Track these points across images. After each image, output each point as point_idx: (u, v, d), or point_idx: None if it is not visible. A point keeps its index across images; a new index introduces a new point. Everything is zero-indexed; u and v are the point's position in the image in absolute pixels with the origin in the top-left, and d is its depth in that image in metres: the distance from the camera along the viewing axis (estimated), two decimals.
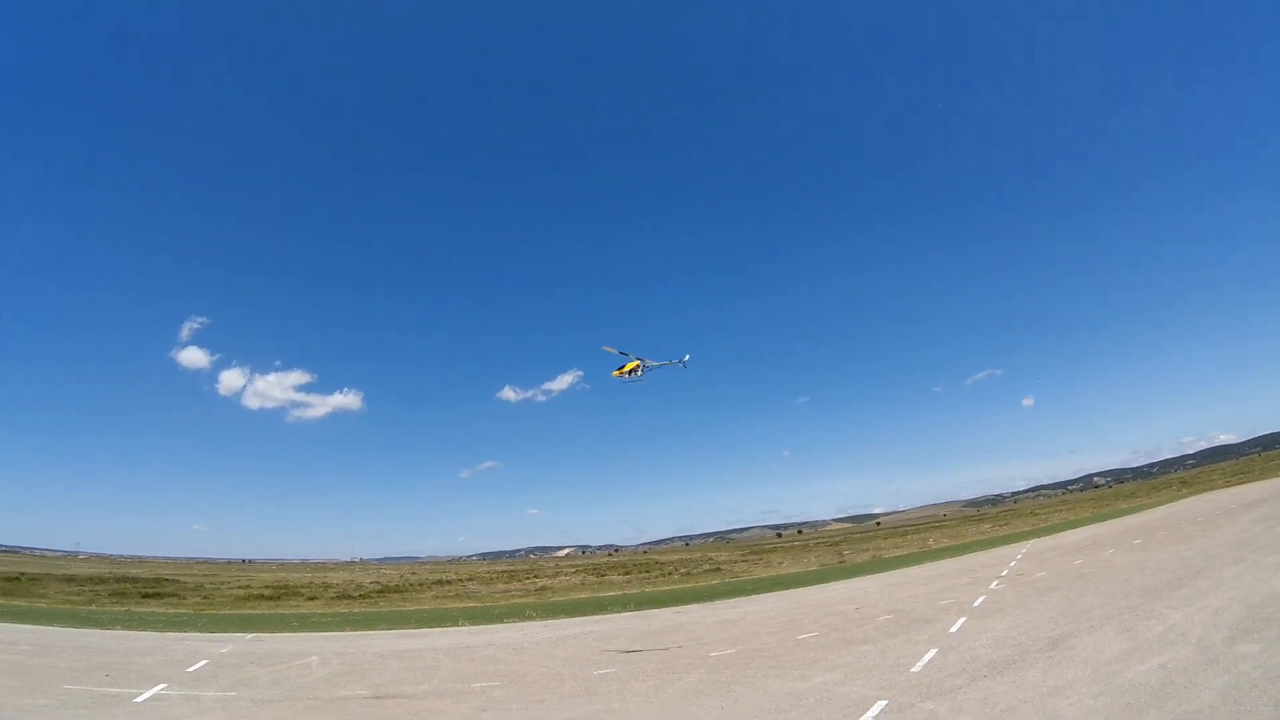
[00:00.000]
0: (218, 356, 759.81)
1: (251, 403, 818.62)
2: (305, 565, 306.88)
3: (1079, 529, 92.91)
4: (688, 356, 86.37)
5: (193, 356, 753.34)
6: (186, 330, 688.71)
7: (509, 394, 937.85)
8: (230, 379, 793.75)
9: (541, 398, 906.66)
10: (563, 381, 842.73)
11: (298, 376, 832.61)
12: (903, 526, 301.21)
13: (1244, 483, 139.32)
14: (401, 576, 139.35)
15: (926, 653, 24.61)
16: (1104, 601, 30.85)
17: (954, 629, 29.39)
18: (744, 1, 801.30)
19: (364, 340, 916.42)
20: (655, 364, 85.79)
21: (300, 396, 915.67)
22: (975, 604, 35.99)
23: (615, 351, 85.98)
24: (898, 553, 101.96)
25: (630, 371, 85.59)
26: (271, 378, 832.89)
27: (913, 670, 22.17)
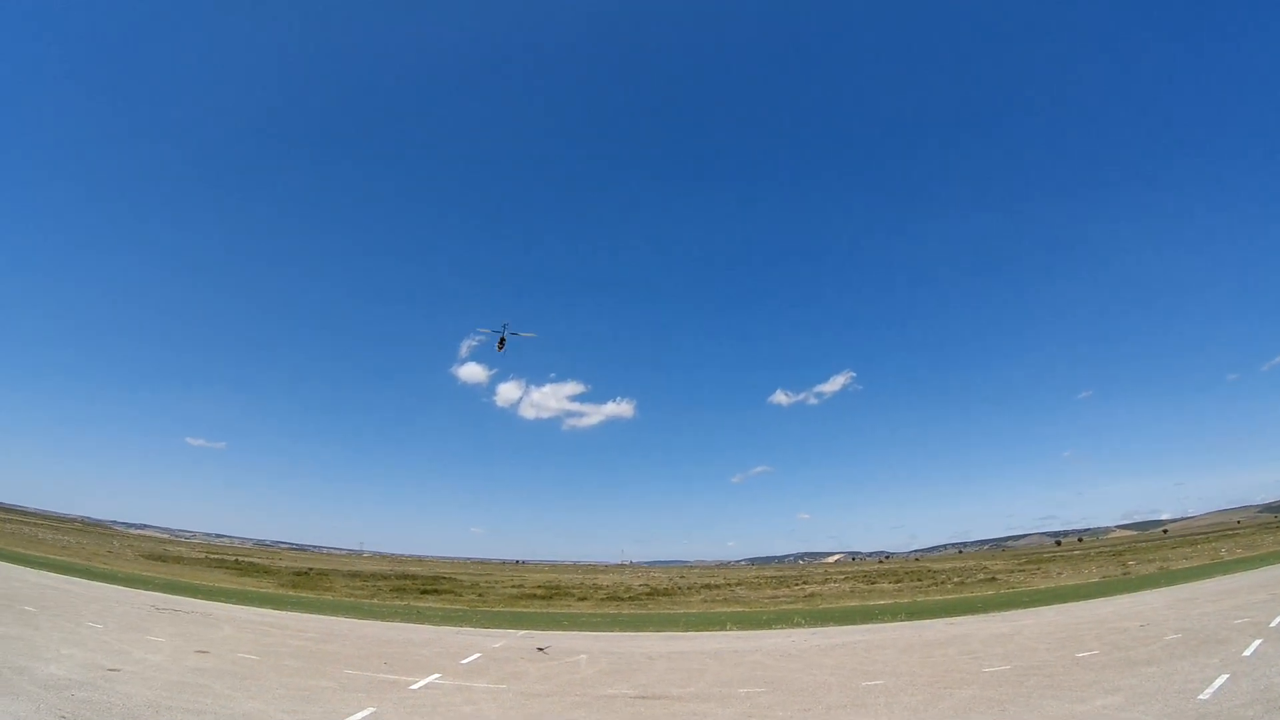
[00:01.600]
0: (495, 371, 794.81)
1: (528, 413, 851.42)
2: (576, 567, 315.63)
3: None
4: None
5: (471, 371, 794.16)
6: (465, 348, 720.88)
7: (780, 397, 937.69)
8: (507, 391, 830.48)
9: (813, 400, 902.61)
10: (835, 383, 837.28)
11: (572, 387, 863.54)
12: (1192, 534, 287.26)
13: None
14: (670, 580, 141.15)
15: (1217, 678, 23.14)
16: None
17: (1248, 652, 27.57)
18: None
19: (635, 350, 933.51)
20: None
21: (574, 406, 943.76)
22: (1273, 624, 33.76)
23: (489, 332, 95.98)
24: (1186, 564, 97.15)
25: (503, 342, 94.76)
26: (546, 389, 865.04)
27: (1201, 697, 20.86)
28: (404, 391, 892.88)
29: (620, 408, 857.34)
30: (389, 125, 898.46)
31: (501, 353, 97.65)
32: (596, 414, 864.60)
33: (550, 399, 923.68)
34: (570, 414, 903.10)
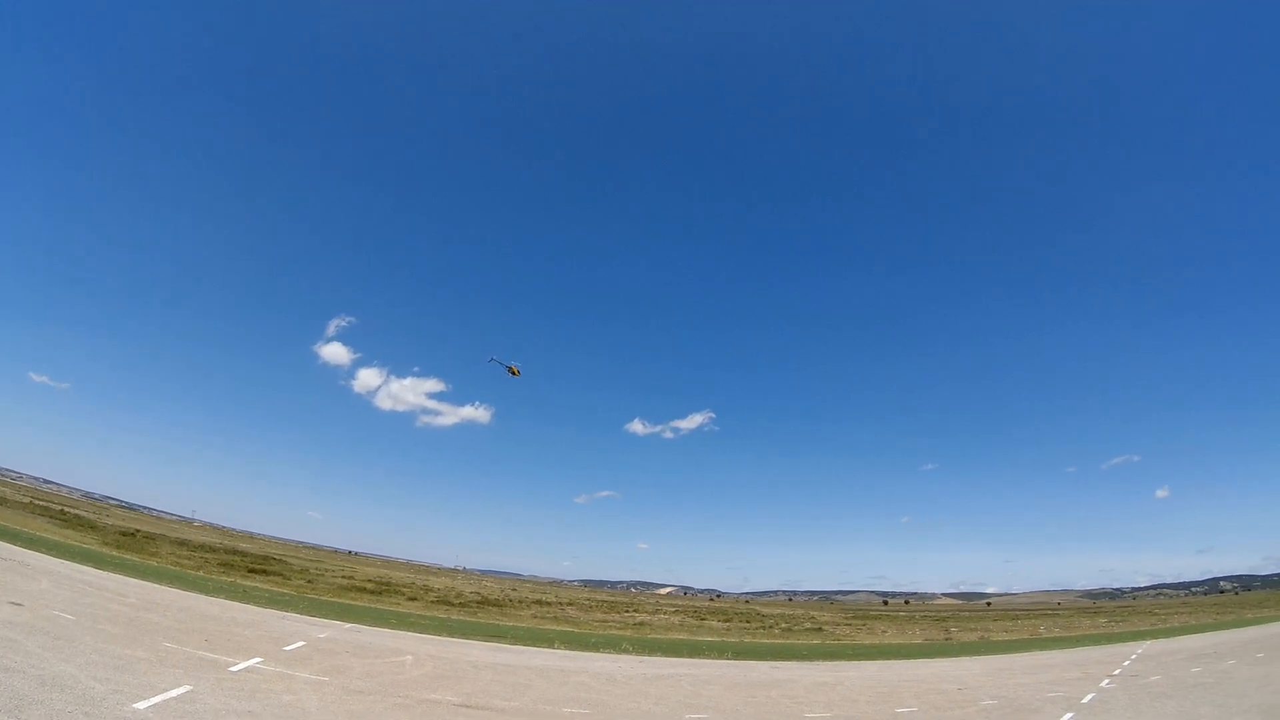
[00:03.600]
0: (359, 355, 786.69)
1: (384, 403, 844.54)
2: (409, 566, 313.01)
3: (1200, 634, 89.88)
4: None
5: (335, 352, 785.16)
6: (333, 327, 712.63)
7: (638, 426, 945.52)
8: (367, 377, 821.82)
9: (669, 434, 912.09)
10: (693, 420, 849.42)
11: (433, 384, 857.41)
12: (1014, 610, 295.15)
13: None
14: (502, 591, 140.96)
15: None
16: (1219, 714, 29.59)
17: None
18: None
19: (502, 356, 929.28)
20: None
21: (432, 404, 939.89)
22: (1084, 700, 34.67)
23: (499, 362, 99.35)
24: (1006, 636, 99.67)
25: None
26: (407, 382, 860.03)
27: None
28: (260, 361, 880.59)
29: (478, 412, 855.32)
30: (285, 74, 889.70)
31: (517, 377, 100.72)
32: (453, 415, 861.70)
33: (409, 392, 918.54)
34: (427, 411, 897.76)
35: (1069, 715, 30.28)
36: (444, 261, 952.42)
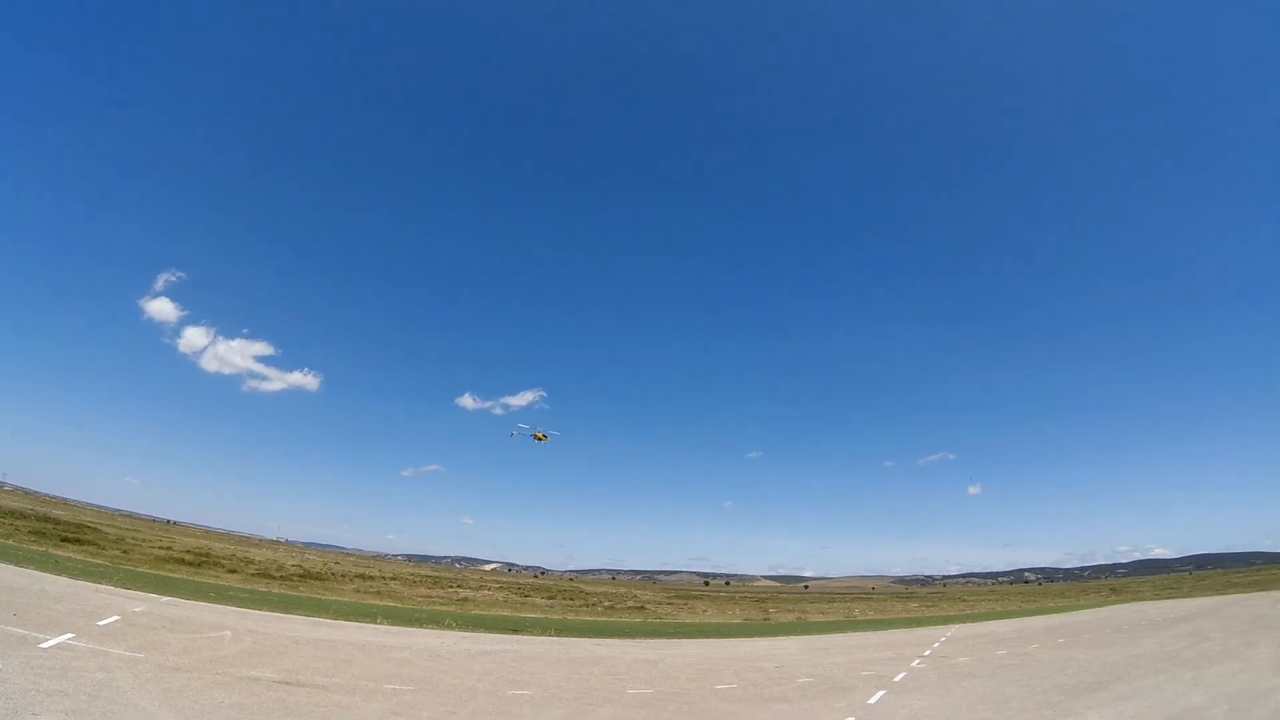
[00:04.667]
0: (186, 313, 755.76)
1: (210, 365, 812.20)
2: (229, 537, 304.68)
3: (1005, 620, 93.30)
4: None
5: (161, 308, 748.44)
6: (161, 281, 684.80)
7: (467, 401, 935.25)
8: (194, 337, 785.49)
9: (499, 410, 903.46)
10: (524, 398, 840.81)
11: (261, 347, 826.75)
12: (830, 593, 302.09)
13: (1173, 598, 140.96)
14: (325, 564, 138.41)
15: None
16: (1023, 694, 30.85)
17: (872, 701, 29.32)
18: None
19: (335, 323, 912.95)
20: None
21: (260, 368, 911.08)
22: (896, 679, 35.88)
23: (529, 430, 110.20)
24: (823, 618, 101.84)
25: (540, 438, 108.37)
26: (235, 344, 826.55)
27: None
28: (79, 314, 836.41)
29: (306, 379, 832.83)
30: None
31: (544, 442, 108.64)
32: (281, 380, 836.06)
33: (237, 355, 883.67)
34: (254, 375, 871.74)
35: (881, 693, 31.23)
36: (282, 221, 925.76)
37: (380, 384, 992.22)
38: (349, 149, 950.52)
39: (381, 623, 49.01)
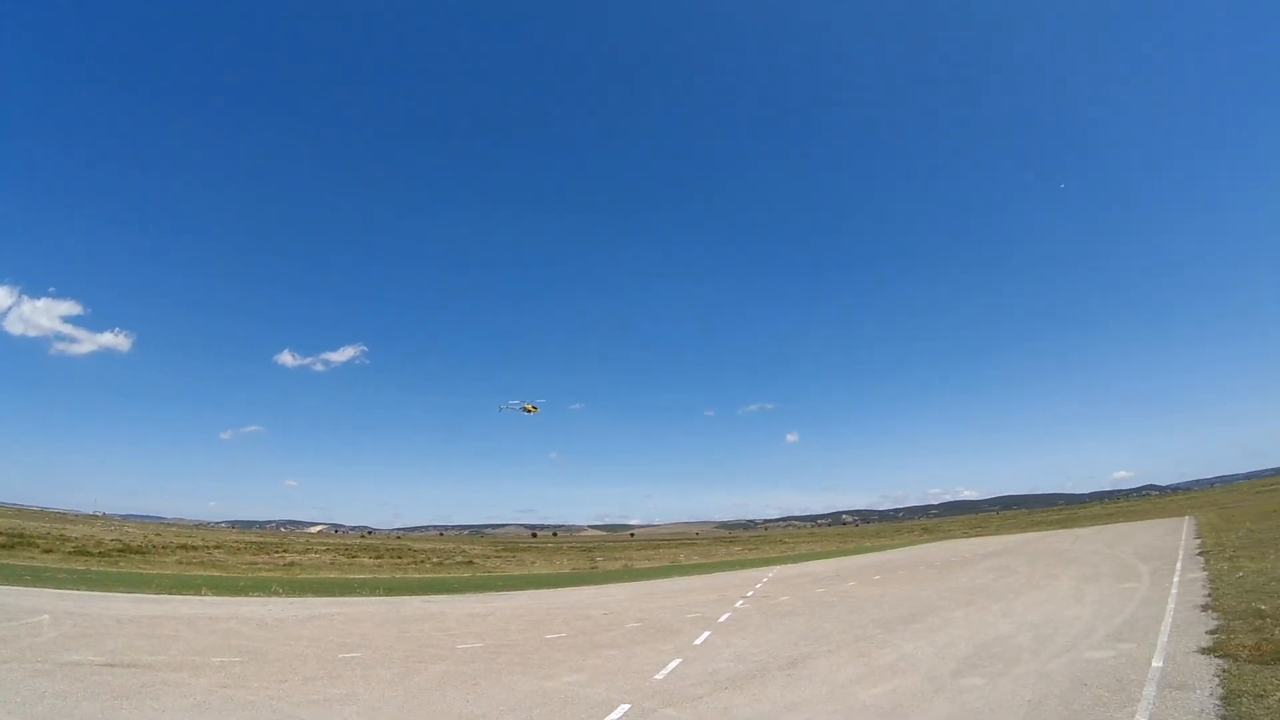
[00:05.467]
0: None
1: (14, 328, 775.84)
2: (44, 514, 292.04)
3: (824, 560, 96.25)
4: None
5: None
6: None
7: (287, 358, 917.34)
8: None
9: (320, 367, 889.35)
10: (345, 353, 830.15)
11: (69, 307, 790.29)
12: (656, 540, 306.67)
13: (981, 535, 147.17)
14: (145, 537, 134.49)
15: (670, 662, 25.17)
16: (843, 628, 32.12)
17: (698, 641, 30.15)
18: None
19: (147, 280, 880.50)
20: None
21: (68, 329, 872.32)
22: (721, 620, 36.97)
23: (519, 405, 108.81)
24: (649, 564, 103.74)
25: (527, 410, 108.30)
26: (41, 303, 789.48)
27: (656, 677, 22.64)
28: None
29: (117, 339, 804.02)
30: None
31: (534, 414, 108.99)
32: (91, 342, 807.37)
33: (43, 316, 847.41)
34: (61, 337, 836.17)
35: (707, 633, 32.20)
36: (88, 170, 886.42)
37: (195, 343, 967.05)
38: (157, 93, 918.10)
39: (206, 594, 48.13)
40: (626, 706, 18.99)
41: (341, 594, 52.79)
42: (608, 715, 18.23)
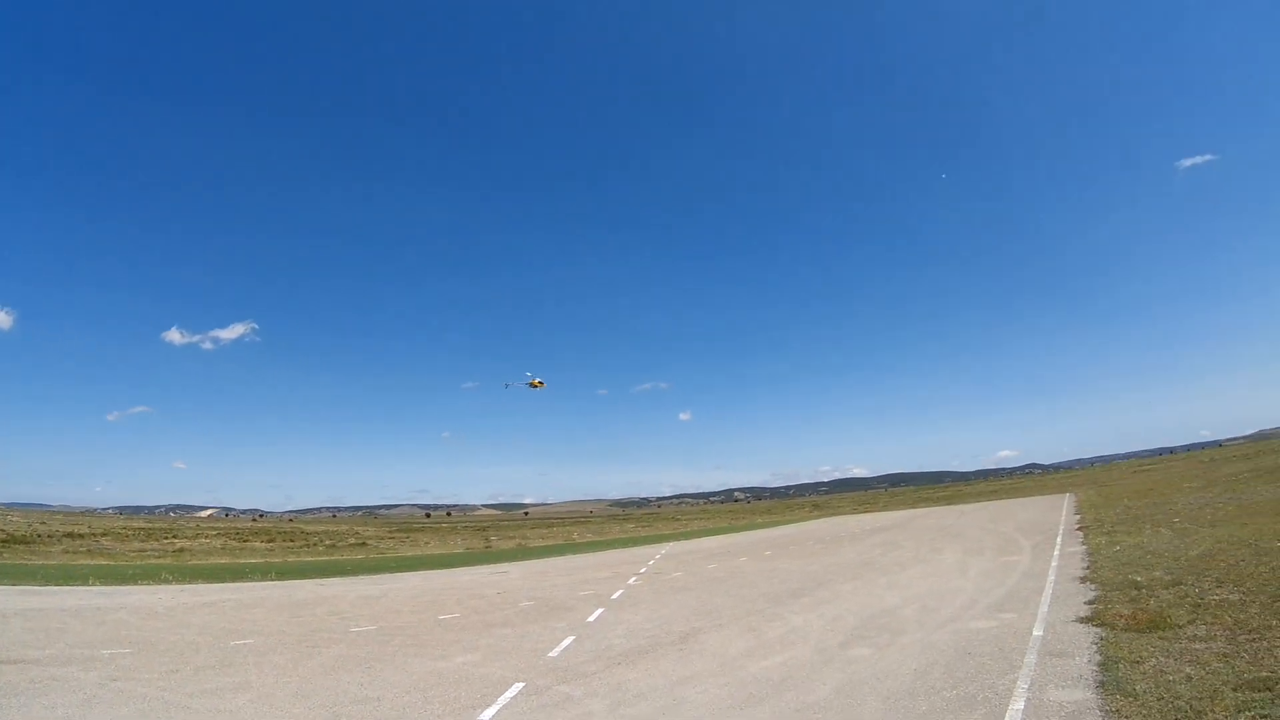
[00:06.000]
0: None
1: None
2: None
3: (716, 537, 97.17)
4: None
5: None
6: None
7: (175, 335, 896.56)
8: None
9: (209, 345, 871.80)
10: (235, 330, 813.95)
11: None
12: (550, 518, 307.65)
13: (869, 512, 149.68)
14: (29, 526, 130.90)
15: (564, 639, 25.40)
16: (734, 603, 32.60)
17: (592, 619, 30.43)
18: None
19: (28, 253, 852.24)
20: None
21: None
22: (614, 596, 37.35)
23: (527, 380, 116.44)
24: (543, 543, 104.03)
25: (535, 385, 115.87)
26: None
27: (550, 655, 22.85)
28: None
29: None
30: None
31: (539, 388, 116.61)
32: None
33: None
34: None
35: (600, 610, 32.53)
36: None
37: (79, 320, 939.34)
38: (30, 61, 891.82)
39: (94, 584, 47.19)
40: (521, 685, 19.16)
41: (233, 579, 52.11)
42: (502, 694, 18.38)
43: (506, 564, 65.29)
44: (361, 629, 29.89)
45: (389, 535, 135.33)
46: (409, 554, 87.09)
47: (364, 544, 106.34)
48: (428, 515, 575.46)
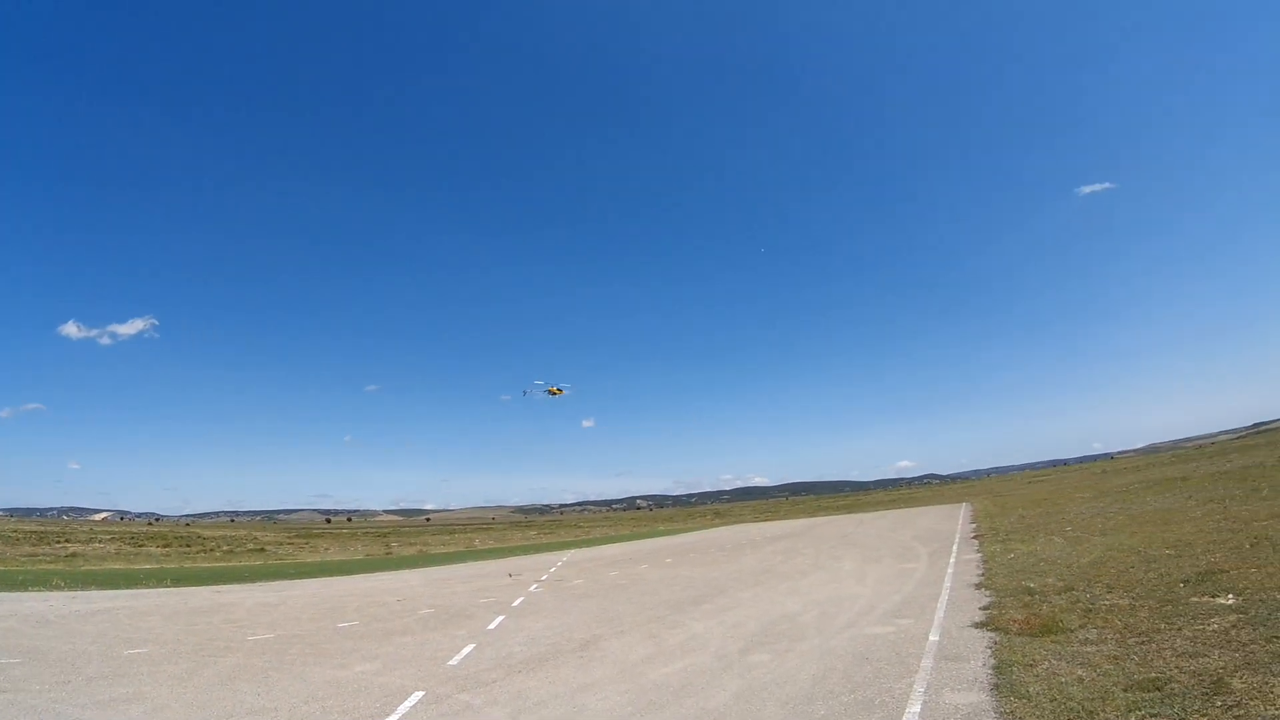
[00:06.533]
0: None
1: None
2: None
3: (619, 544, 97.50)
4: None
5: None
6: None
7: (71, 329, 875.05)
8: None
9: (107, 340, 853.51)
10: (134, 325, 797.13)
11: None
12: (452, 525, 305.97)
13: (771, 520, 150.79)
14: None
15: (464, 647, 25.33)
16: (635, 610, 32.73)
17: (492, 626, 30.39)
18: None
19: None
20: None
21: None
22: (514, 604, 37.34)
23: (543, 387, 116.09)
24: (445, 550, 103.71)
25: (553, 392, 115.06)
26: None
27: (450, 663, 22.77)
28: None
29: None
30: None
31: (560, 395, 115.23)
32: None
33: None
34: None
35: (500, 618, 32.48)
36: None
37: None
38: None
39: None
40: (420, 694, 19.07)
41: (127, 586, 51.16)
42: (401, 703, 18.29)
43: (407, 571, 65.01)
44: (259, 637, 29.52)
45: (288, 541, 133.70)
46: (309, 560, 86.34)
47: (263, 550, 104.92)
48: (328, 520, 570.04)
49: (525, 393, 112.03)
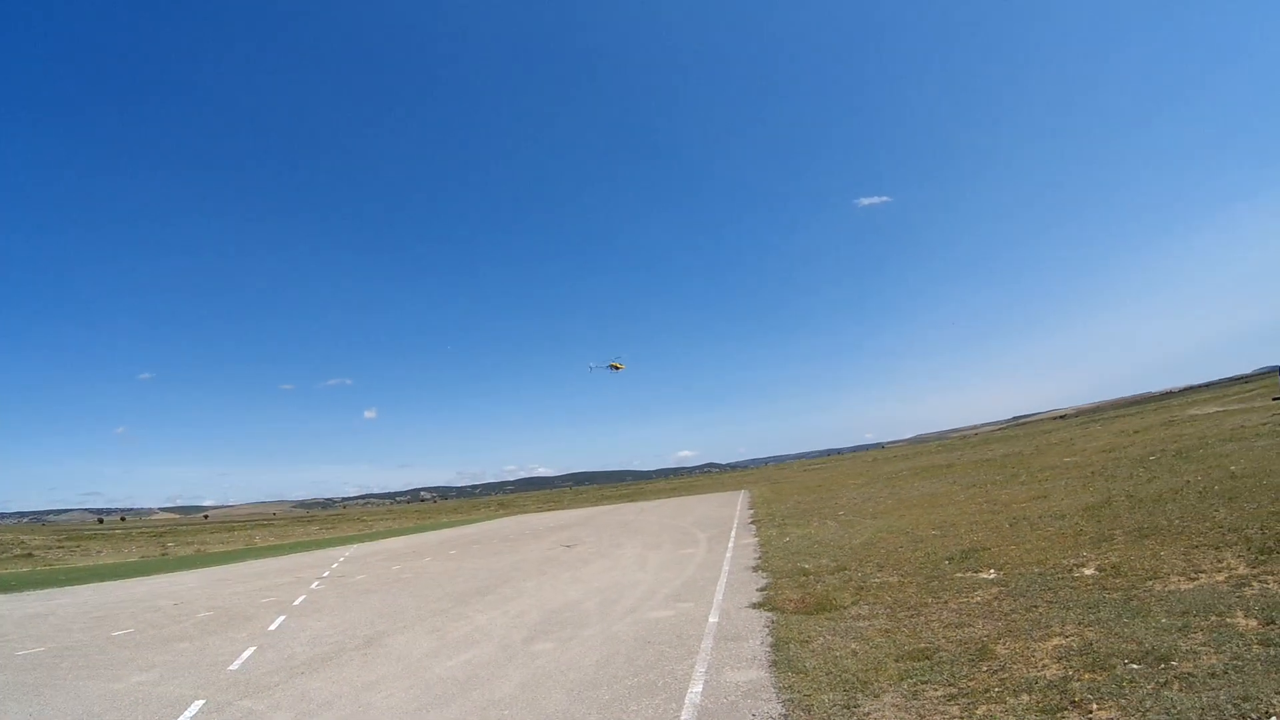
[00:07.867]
0: None
1: None
2: None
3: (402, 537, 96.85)
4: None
5: None
6: None
7: None
8: None
9: None
10: None
11: None
12: (232, 522, 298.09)
13: (554, 510, 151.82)
14: None
15: (245, 650, 24.92)
16: (418, 604, 32.68)
17: (273, 627, 30.00)
18: None
19: None
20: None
21: None
22: (296, 603, 36.88)
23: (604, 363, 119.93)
24: (223, 548, 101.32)
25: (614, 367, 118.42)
26: None
27: (231, 668, 22.38)
28: None
29: None
30: None
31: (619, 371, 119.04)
32: None
33: None
34: None
35: (282, 618, 32.05)
36: None
37: None
38: None
39: None
40: (201, 703, 18.72)
41: None
42: (181, 713, 17.93)
43: (184, 572, 63.38)
44: (28, 651, 28.48)
45: (58, 544, 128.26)
46: (80, 565, 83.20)
47: (30, 555, 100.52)
48: (100, 521, 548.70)
49: (591, 368, 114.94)
